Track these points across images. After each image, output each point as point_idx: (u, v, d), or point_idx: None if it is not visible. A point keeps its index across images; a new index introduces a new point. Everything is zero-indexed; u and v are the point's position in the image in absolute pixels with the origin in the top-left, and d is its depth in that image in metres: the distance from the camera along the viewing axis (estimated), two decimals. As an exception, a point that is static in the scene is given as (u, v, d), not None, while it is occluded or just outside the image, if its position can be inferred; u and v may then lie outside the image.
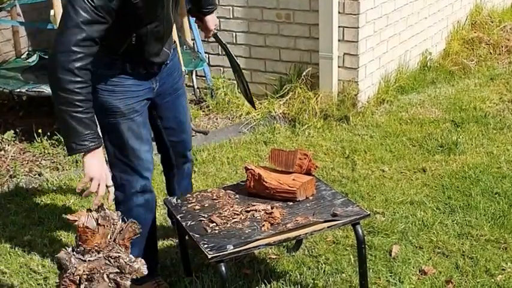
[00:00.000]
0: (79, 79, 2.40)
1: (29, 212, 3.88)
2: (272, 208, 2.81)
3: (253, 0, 5.20)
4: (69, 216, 2.21)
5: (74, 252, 2.17)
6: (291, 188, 2.87)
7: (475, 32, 6.50)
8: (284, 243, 3.22)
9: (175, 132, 3.08)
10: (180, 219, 2.83)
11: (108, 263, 2.17)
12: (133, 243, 2.95)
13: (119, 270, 2.16)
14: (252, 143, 4.72)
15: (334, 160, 4.38)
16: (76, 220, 2.20)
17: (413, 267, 3.17)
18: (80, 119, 2.42)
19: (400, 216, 3.62)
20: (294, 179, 2.91)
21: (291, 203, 2.87)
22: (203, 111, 5.28)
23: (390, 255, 3.28)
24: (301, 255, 3.30)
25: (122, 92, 2.75)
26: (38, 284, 3.20)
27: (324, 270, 3.17)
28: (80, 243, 2.17)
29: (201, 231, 2.70)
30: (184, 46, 5.25)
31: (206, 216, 2.81)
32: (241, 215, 2.79)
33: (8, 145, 4.68)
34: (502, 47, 6.43)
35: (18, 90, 4.82)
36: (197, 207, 2.90)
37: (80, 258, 2.15)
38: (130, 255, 2.23)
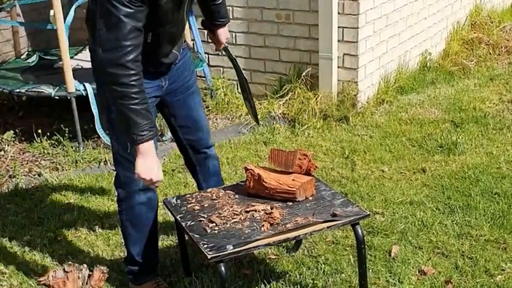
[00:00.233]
0: (132, 72, 2.45)
1: (29, 212, 3.88)
2: (272, 208, 2.81)
3: (253, 0, 5.20)
4: (40, 279, 2.48)
5: None
6: (290, 188, 2.87)
7: (474, 33, 6.51)
8: (284, 244, 3.22)
9: (190, 130, 3.09)
10: (179, 219, 2.83)
11: None
12: (134, 241, 2.98)
13: None
14: (251, 143, 4.72)
15: (333, 160, 4.39)
16: (46, 278, 2.42)
17: (412, 268, 3.17)
18: (138, 110, 2.49)
19: (400, 217, 3.62)
20: (293, 179, 2.91)
21: (291, 203, 2.87)
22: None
23: (390, 255, 3.28)
24: (300, 256, 3.31)
25: None
26: (38, 284, 3.20)
27: (324, 271, 3.17)
28: None
29: (200, 232, 2.70)
30: (184, 46, 5.25)
31: (206, 216, 2.81)
32: (241, 215, 2.79)
33: (8, 145, 4.68)
34: (502, 47, 6.43)
35: (18, 90, 4.82)
36: (197, 207, 2.90)
37: None
38: None
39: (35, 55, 5.71)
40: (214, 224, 2.73)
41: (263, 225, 2.70)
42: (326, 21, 4.87)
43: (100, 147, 4.68)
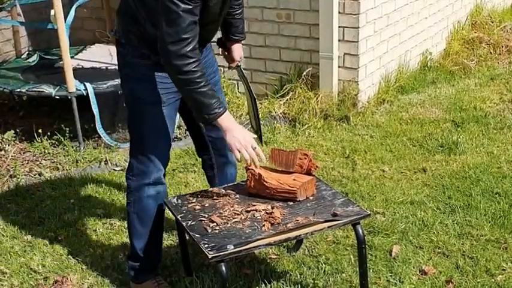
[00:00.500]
0: (193, 60, 2.63)
1: (30, 211, 3.88)
2: (272, 208, 2.81)
3: (253, 0, 5.20)
4: None
5: None
6: (291, 188, 2.86)
7: (475, 32, 6.50)
8: (284, 243, 3.22)
9: (213, 127, 3.09)
10: (180, 219, 2.83)
11: None
12: (138, 235, 2.99)
13: None
14: (252, 143, 4.71)
15: (334, 160, 4.38)
16: None
17: (413, 267, 3.17)
18: (204, 92, 2.67)
19: (401, 216, 3.62)
20: (294, 179, 2.91)
21: (292, 203, 2.87)
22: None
23: (390, 255, 3.28)
24: (301, 255, 3.30)
25: (151, 81, 2.82)
26: (38, 284, 3.20)
27: (324, 270, 3.17)
28: None
29: (201, 231, 2.70)
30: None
31: (206, 216, 2.81)
32: (242, 215, 2.79)
33: (8, 145, 4.68)
34: (502, 47, 6.43)
35: (18, 90, 4.82)
36: (197, 207, 2.90)
37: None
38: None
39: (36, 55, 5.71)
40: (215, 224, 2.73)
41: (264, 225, 2.70)
42: (327, 20, 4.87)
43: (100, 146, 4.68)
